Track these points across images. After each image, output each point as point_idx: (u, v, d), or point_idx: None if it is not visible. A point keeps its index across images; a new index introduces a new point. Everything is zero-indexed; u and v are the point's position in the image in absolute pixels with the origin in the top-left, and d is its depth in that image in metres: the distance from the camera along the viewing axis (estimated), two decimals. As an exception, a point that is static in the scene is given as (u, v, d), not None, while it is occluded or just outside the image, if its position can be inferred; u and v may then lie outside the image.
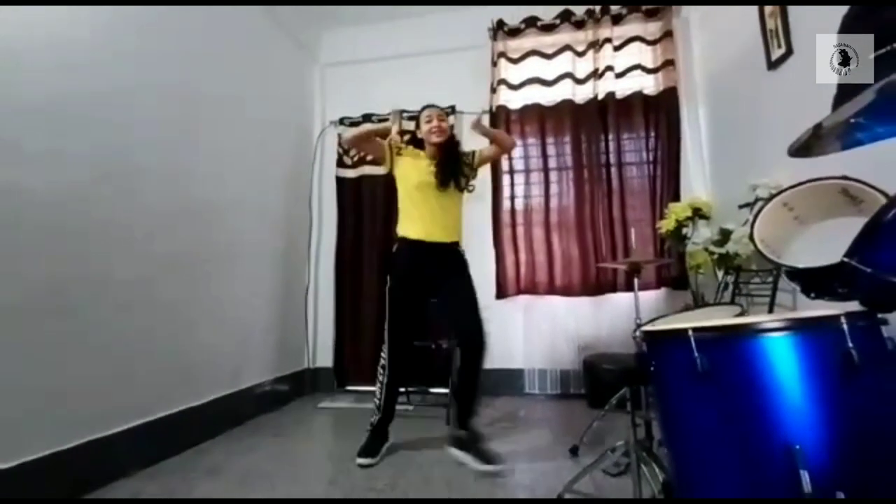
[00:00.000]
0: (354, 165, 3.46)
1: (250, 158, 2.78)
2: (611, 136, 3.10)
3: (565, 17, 3.19)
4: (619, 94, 3.11)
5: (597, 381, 2.68)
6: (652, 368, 0.99)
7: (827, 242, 0.93)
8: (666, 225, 2.61)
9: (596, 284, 3.00)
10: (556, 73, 3.21)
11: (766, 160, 2.14)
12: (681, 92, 3.04)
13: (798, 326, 0.82)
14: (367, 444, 1.96)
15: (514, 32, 3.28)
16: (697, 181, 3.01)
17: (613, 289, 2.99)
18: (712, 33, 2.88)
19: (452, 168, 2.08)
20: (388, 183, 3.32)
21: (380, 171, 3.35)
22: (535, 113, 3.24)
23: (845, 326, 0.79)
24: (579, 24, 3.18)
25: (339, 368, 3.28)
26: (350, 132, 2.22)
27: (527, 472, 1.81)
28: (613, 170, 3.08)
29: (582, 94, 3.15)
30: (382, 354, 2.06)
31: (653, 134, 3.06)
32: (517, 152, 3.25)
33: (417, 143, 2.26)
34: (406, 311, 2.05)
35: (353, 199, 3.42)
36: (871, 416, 0.79)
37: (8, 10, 1.52)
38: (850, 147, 0.92)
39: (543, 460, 1.92)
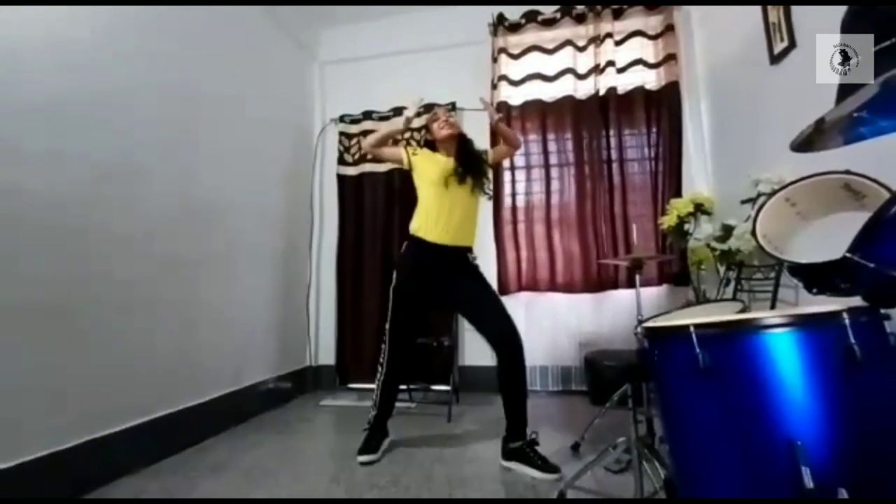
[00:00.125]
0: (355, 163, 3.46)
1: (250, 157, 2.78)
2: (612, 132, 3.09)
3: (566, 11, 3.18)
4: (621, 90, 3.10)
5: (598, 377, 2.68)
6: (653, 365, 0.99)
7: (829, 238, 0.92)
8: (667, 221, 2.60)
9: (597, 281, 3.00)
10: (556, 68, 3.20)
11: (768, 155, 2.13)
12: (682, 87, 3.02)
13: (800, 322, 0.81)
14: (366, 442, 1.97)
15: (515, 28, 3.26)
16: (699, 176, 2.99)
17: (615, 285, 2.98)
18: (714, 27, 2.86)
19: (470, 162, 2.06)
20: (389, 181, 3.36)
21: (381, 168, 3.37)
22: (536, 109, 3.23)
23: (847, 322, 0.78)
24: (580, 19, 3.17)
25: (341, 366, 3.29)
26: (369, 138, 2.17)
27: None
28: (615, 166, 3.07)
29: (583, 89, 3.14)
30: (382, 352, 2.06)
31: (654, 129, 3.04)
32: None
33: (428, 146, 2.23)
34: (408, 312, 2.04)
35: (355, 196, 3.42)
36: (873, 412, 0.78)
37: (7, 10, 1.52)
38: (852, 142, 0.91)
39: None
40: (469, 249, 2.06)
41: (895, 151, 1.12)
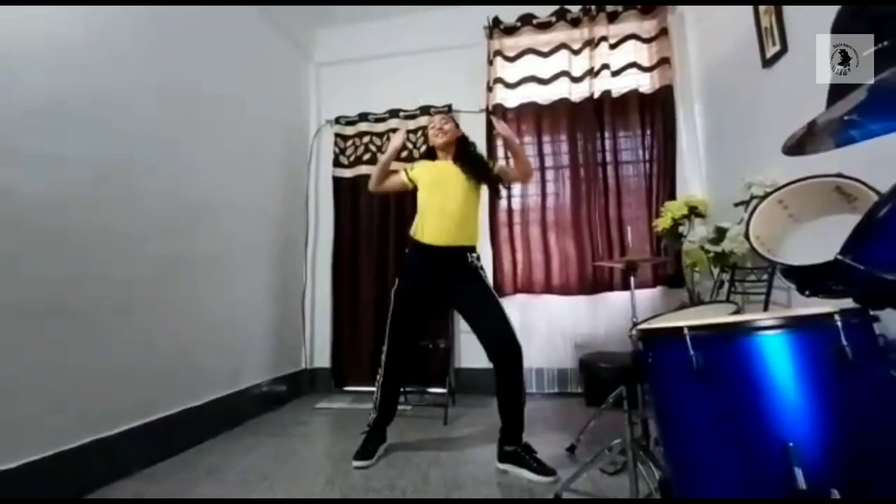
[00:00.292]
0: (351, 165, 3.46)
1: (247, 158, 2.77)
2: (607, 135, 3.10)
3: (561, 15, 3.20)
4: (615, 93, 3.12)
5: (594, 379, 2.69)
6: (648, 367, 0.99)
7: (821, 240, 0.93)
8: (662, 223, 2.62)
9: (593, 283, 3.01)
10: (552, 71, 3.22)
11: (761, 158, 2.15)
12: (676, 90, 3.05)
13: (792, 324, 0.82)
14: (362, 446, 1.96)
15: (510, 30, 3.28)
16: (693, 179, 3.02)
17: (610, 287, 3.00)
18: (707, 31, 2.88)
19: (469, 163, 2.05)
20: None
21: (376, 170, 3.37)
22: (531, 111, 3.24)
23: (839, 323, 0.79)
24: (575, 22, 3.19)
25: (337, 369, 3.28)
26: (371, 179, 2.18)
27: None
28: (610, 168, 3.09)
29: (578, 92, 3.16)
30: (382, 353, 2.05)
31: (649, 132, 3.07)
32: (514, 151, 3.25)
33: (430, 153, 2.23)
34: (409, 315, 2.02)
35: (350, 198, 3.42)
36: (864, 413, 0.79)
37: (4, 10, 1.51)
38: (843, 144, 0.92)
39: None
40: (468, 249, 2.01)
41: (886, 155, 1.14)
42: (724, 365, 0.85)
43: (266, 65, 3.07)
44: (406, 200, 3.07)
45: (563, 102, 3.17)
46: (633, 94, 3.11)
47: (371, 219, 3.36)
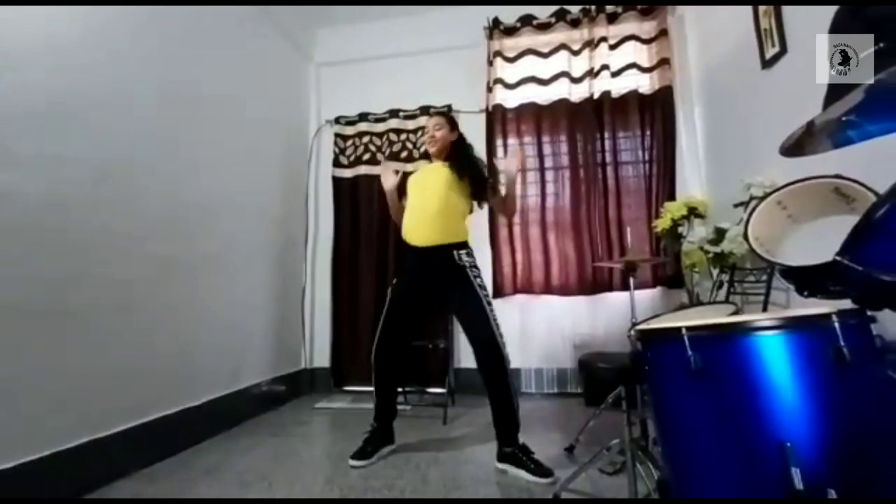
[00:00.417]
0: (351, 165, 3.46)
1: (247, 159, 2.77)
2: (606, 136, 3.11)
3: (561, 15, 3.20)
4: (615, 93, 3.12)
5: (593, 379, 2.69)
6: (646, 367, 0.99)
7: (820, 241, 0.93)
8: (661, 224, 2.62)
9: (592, 283, 3.01)
10: (551, 71, 3.22)
11: (760, 159, 2.15)
12: (676, 91, 3.05)
13: (790, 324, 0.82)
14: (362, 445, 1.96)
15: (510, 31, 3.28)
16: (693, 180, 3.02)
17: (609, 288, 3.00)
18: (707, 32, 2.89)
19: (461, 165, 2.02)
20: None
21: (376, 170, 3.38)
22: (531, 112, 3.24)
23: (837, 324, 0.79)
24: (575, 23, 3.19)
25: (336, 369, 3.28)
26: (392, 215, 2.22)
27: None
28: (609, 169, 3.09)
29: (578, 93, 3.16)
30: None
31: (648, 133, 3.07)
32: (513, 152, 3.25)
33: (427, 155, 2.23)
34: (399, 313, 2.02)
35: (350, 198, 3.42)
36: (861, 413, 0.79)
37: (4, 10, 1.51)
38: (840, 145, 0.93)
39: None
40: (454, 246, 1.97)
41: (884, 155, 1.14)
42: (722, 365, 0.85)
43: (266, 65, 3.08)
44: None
45: (563, 103, 3.18)
46: (633, 95, 3.12)
47: (371, 219, 3.36)
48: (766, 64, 2.12)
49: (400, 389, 2.79)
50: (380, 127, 3.44)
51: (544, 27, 3.24)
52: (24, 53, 1.56)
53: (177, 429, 2.07)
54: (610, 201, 3.07)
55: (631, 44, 3.16)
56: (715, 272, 2.38)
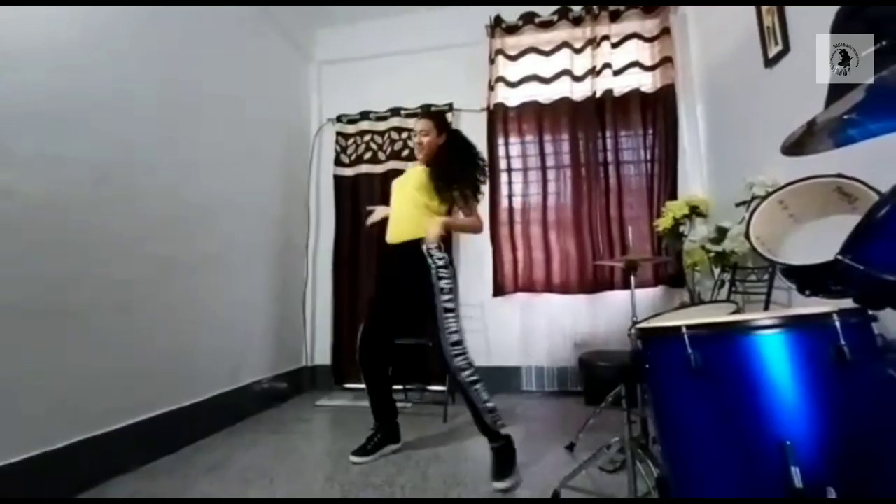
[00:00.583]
0: (352, 164, 3.46)
1: (248, 157, 2.78)
2: (608, 134, 3.10)
3: (563, 13, 3.19)
4: (617, 92, 3.11)
5: (593, 378, 2.69)
6: (646, 366, 0.99)
7: (822, 240, 0.93)
8: (663, 223, 2.62)
9: (593, 282, 3.01)
10: (553, 70, 3.21)
11: (762, 158, 2.14)
12: (678, 89, 3.04)
13: (791, 323, 0.82)
14: (364, 442, 1.97)
15: (512, 29, 3.27)
16: (695, 179, 3.01)
17: (611, 286, 3.00)
18: (710, 30, 2.88)
19: (441, 170, 1.97)
20: (386, 182, 3.34)
21: (377, 169, 3.39)
22: (532, 110, 3.23)
23: (837, 323, 0.79)
24: (577, 21, 3.18)
25: (337, 366, 3.29)
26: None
27: (524, 467, 1.81)
28: (611, 168, 3.09)
29: (580, 91, 3.15)
30: None
31: (650, 131, 3.06)
32: (515, 150, 3.25)
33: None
34: (376, 311, 2.04)
35: (351, 197, 3.42)
36: (861, 413, 0.79)
37: (4, 10, 1.51)
38: (842, 144, 0.92)
39: (540, 456, 1.92)
40: (418, 242, 1.91)
41: (886, 155, 1.14)
42: (722, 364, 0.85)
43: (266, 64, 3.08)
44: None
45: (565, 101, 3.17)
46: (635, 94, 3.11)
47: (372, 217, 3.36)
48: (769, 63, 2.11)
49: (401, 387, 2.80)
50: (381, 125, 3.44)
51: (546, 25, 3.23)
52: (24, 53, 1.57)
53: (178, 426, 2.08)
54: (611, 200, 3.06)
55: (633, 42, 3.15)
56: (716, 271, 2.37)
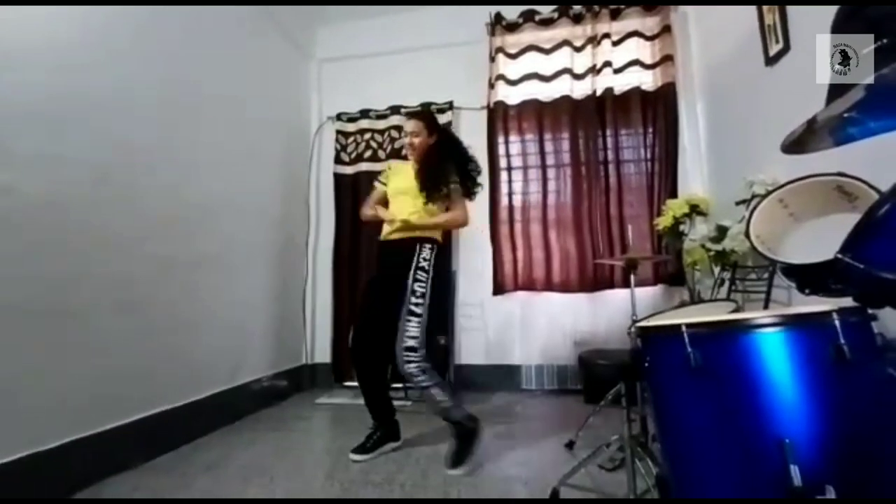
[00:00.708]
0: (352, 162, 3.46)
1: (248, 156, 2.77)
2: (609, 133, 3.10)
3: (563, 11, 3.18)
4: (618, 90, 3.11)
5: (593, 376, 2.69)
6: (646, 364, 1.00)
7: (822, 239, 0.93)
8: (663, 222, 2.62)
9: (593, 281, 3.01)
10: (554, 68, 3.21)
11: (763, 156, 2.14)
12: (679, 88, 3.03)
13: (790, 322, 0.82)
14: (364, 440, 1.97)
15: (513, 27, 3.27)
16: (695, 177, 3.01)
17: (610, 285, 3.00)
18: (710, 28, 2.87)
19: (429, 172, 1.98)
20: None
21: (377, 167, 3.37)
22: (532, 109, 3.23)
23: (837, 322, 0.79)
24: (577, 19, 3.17)
25: (337, 364, 3.28)
26: (363, 215, 2.28)
27: (523, 465, 1.82)
28: (611, 166, 3.08)
29: (580, 89, 3.15)
30: None
31: (651, 130, 3.06)
32: (515, 149, 3.25)
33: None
34: (366, 307, 2.05)
35: (351, 195, 3.41)
36: (860, 411, 0.79)
37: (4, 9, 1.51)
38: (842, 143, 0.92)
39: (540, 454, 1.93)
40: (416, 240, 1.96)
41: (886, 153, 1.14)
42: (721, 362, 0.85)
43: (266, 63, 3.07)
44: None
45: (565, 100, 3.16)
46: (636, 92, 3.10)
47: (372, 215, 3.36)
48: (770, 61, 2.11)
49: (400, 385, 2.80)
50: (381, 124, 3.43)
51: (547, 23, 3.22)
52: (24, 53, 1.56)
53: (177, 424, 2.08)
54: (611, 198, 3.06)
55: (634, 40, 3.14)
56: (716, 270, 2.37)
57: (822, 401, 0.80)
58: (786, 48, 1.99)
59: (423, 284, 1.91)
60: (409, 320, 1.86)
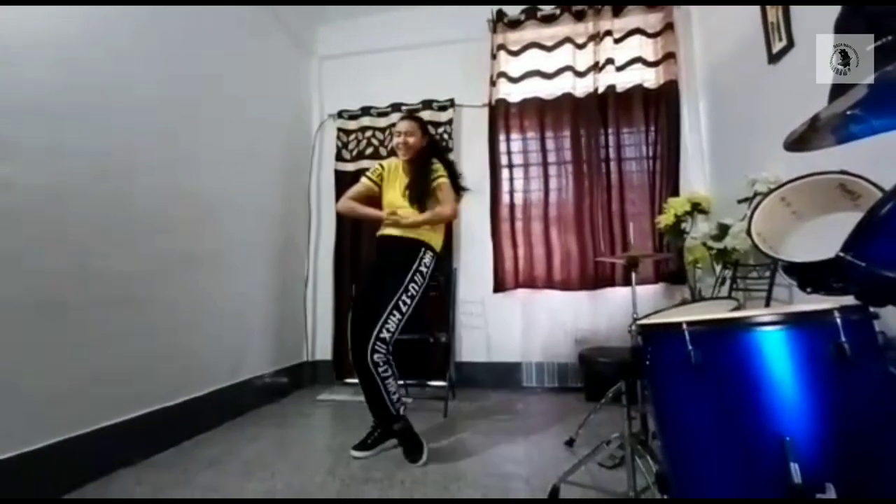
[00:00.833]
0: (353, 159, 3.46)
1: (249, 153, 2.77)
2: (610, 130, 3.09)
3: (566, 8, 3.17)
4: (620, 88, 3.10)
5: (593, 374, 2.70)
6: (647, 362, 1.00)
7: (824, 237, 0.93)
8: (664, 220, 2.61)
9: (594, 279, 3.01)
10: (556, 65, 3.20)
11: (765, 154, 2.14)
12: (681, 85, 3.03)
13: (791, 320, 0.82)
14: (363, 438, 1.98)
15: (514, 24, 3.25)
16: (697, 176, 3.00)
17: (611, 283, 3.00)
18: (713, 26, 2.86)
19: (419, 173, 2.08)
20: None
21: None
22: (534, 106, 3.22)
23: (838, 320, 0.79)
24: (580, 16, 3.16)
25: (338, 361, 3.29)
26: (343, 211, 2.35)
27: (524, 463, 1.83)
28: (613, 164, 3.08)
29: (582, 87, 3.14)
30: None
31: (653, 128, 3.05)
32: (516, 146, 3.24)
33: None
34: (359, 302, 2.08)
35: (352, 192, 3.41)
36: (861, 409, 0.79)
37: (3, 7, 1.50)
38: (844, 141, 0.92)
39: (540, 452, 1.93)
40: (416, 242, 2.03)
41: (889, 152, 1.13)
42: (722, 360, 0.85)
43: (267, 61, 3.06)
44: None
45: (567, 97, 3.16)
46: (638, 90, 3.09)
47: (373, 212, 3.35)
48: (773, 58, 2.10)
49: (401, 382, 2.81)
50: (382, 122, 3.43)
51: (549, 20, 3.21)
52: (24, 49, 1.56)
53: (180, 419, 2.09)
54: (613, 196, 3.05)
55: (636, 38, 3.13)
56: (718, 268, 2.37)
57: (823, 399, 0.80)
58: (789, 45, 1.98)
59: (417, 288, 1.99)
60: (393, 314, 1.91)
